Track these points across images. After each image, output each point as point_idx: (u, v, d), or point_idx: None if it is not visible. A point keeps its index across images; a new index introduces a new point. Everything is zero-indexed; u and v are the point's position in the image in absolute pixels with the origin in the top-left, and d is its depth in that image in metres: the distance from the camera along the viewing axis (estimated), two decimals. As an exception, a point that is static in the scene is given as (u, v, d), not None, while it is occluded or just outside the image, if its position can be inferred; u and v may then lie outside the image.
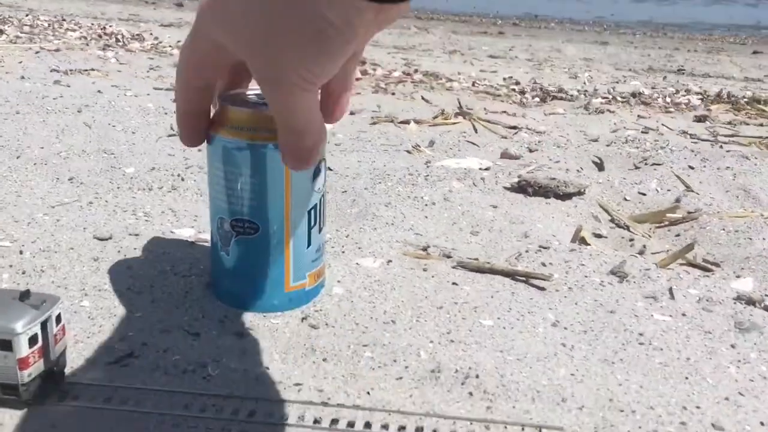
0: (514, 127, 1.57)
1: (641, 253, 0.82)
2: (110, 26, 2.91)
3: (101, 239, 0.72)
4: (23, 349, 0.47)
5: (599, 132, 1.59)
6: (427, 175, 1.01)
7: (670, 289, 0.69)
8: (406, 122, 1.53)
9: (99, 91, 1.45)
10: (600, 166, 1.29)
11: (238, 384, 0.52)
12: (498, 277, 0.71)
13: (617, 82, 2.59)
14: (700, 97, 2.26)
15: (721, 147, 1.45)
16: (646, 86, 2.52)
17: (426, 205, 0.92)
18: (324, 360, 0.56)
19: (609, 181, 1.05)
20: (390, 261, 0.74)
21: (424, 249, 0.79)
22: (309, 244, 0.60)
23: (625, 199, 1.02)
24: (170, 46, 2.46)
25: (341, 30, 0.38)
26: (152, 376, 0.53)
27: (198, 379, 0.53)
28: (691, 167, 1.23)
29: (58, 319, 0.51)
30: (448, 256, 0.77)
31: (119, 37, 2.59)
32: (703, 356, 0.58)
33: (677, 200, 1.00)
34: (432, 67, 2.55)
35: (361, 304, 0.63)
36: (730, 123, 1.78)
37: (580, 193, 1.00)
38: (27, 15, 3.03)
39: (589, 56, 3.75)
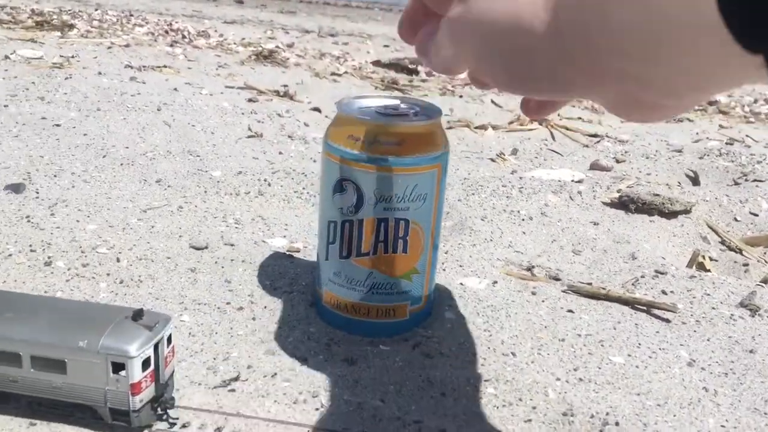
0: (594, 135, 1.51)
1: (766, 282, 0.76)
2: (176, 22, 2.93)
3: (197, 248, 0.69)
4: (136, 373, 0.44)
5: (681, 142, 1.52)
6: (521, 188, 0.96)
7: (812, 328, 0.63)
8: (483, 127, 1.48)
9: (175, 89, 1.44)
10: (695, 181, 1.22)
11: (355, 418, 0.49)
12: (615, 305, 0.66)
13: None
14: (780, 106, 2.16)
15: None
16: (721, 93, 2.42)
17: (523, 219, 0.87)
18: (443, 395, 0.51)
19: (717, 200, 0.99)
20: (495, 282, 0.69)
21: (529, 269, 0.74)
22: (327, 258, 0.57)
23: (736, 220, 0.96)
24: (235, 44, 2.46)
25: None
26: (263, 403, 0.49)
27: (311, 410, 0.49)
28: (795, 185, 1.16)
29: (169, 340, 0.48)
30: (556, 279, 0.72)
31: (185, 33, 2.60)
32: None
33: (793, 223, 0.93)
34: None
35: (477, 332, 0.59)
36: (817, 136, 1.69)
37: (686, 212, 0.94)
38: (96, 10, 3.07)
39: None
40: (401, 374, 0.53)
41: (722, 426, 0.49)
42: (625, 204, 0.94)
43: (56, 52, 1.73)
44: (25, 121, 1.08)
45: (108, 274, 0.64)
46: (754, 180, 1.17)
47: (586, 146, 1.44)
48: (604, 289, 0.69)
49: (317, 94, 1.66)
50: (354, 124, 0.52)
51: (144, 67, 1.70)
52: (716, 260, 0.86)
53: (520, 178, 1.00)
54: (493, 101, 1.81)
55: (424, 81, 2.07)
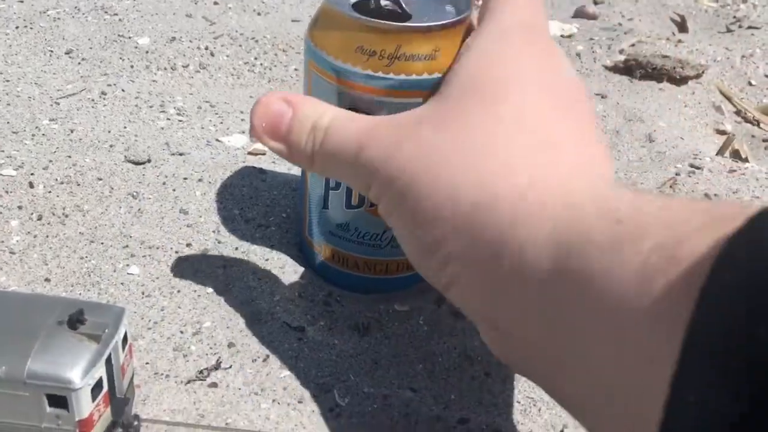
0: (563, -35, 1.33)
1: (805, 172, 0.66)
2: None
3: (137, 163, 0.53)
4: (85, 406, 0.31)
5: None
6: (515, 50, 0.81)
7: None
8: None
9: None
10: (682, 26, 1.09)
11: (383, 422, 0.37)
12: (655, 217, 0.56)
13: None
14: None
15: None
16: None
17: (523, 94, 0.74)
18: (487, 375, 0.41)
19: (729, 60, 0.87)
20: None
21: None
22: (326, 206, 0.42)
23: (750, 84, 0.84)
24: None
25: None
26: (257, 405, 0.38)
27: (325, 413, 0.38)
28: (796, 32, 1.04)
29: (124, 340, 0.34)
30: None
31: None
32: None
33: (815, 88, 0.83)
34: None
35: (512, 276, 0.47)
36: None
37: (698, 76, 0.82)
38: None
39: None
40: (430, 345, 0.42)
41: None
42: (631, 69, 0.81)
43: None
44: None
45: (19, 207, 0.48)
46: (749, 27, 1.05)
47: (558, -21, 1.27)
48: (640, 195, 0.58)
49: None
50: (363, 31, 0.36)
51: None
52: (732, 134, 0.76)
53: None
54: None
55: None
